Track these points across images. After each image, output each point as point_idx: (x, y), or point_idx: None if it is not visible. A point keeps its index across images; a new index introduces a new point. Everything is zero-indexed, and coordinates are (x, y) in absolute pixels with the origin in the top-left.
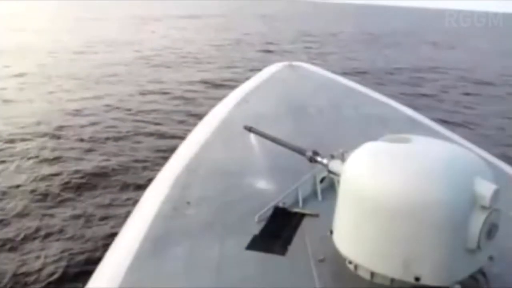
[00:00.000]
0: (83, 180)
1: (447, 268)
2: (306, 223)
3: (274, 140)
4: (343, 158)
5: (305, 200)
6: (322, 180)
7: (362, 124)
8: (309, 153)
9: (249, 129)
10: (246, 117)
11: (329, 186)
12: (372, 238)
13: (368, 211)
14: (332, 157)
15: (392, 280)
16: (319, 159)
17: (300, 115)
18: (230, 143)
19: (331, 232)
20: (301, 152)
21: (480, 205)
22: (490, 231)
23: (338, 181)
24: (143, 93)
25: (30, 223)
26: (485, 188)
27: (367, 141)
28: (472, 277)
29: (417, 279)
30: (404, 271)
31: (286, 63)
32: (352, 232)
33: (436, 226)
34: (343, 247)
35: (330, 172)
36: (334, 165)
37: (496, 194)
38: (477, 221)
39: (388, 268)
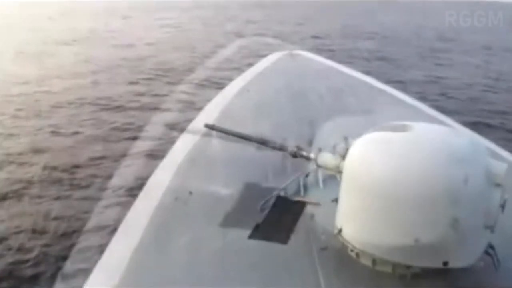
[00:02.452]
0: None
1: (472, 248)
2: (308, 211)
3: (241, 137)
4: (334, 151)
5: (307, 189)
6: (307, 175)
7: (363, 112)
8: (293, 148)
9: (211, 127)
10: (247, 106)
11: (331, 175)
12: (386, 226)
13: (380, 200)
14: (320, 150)
15: (394, 266)
16: (304, 153)
17: (301, 103)
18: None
19: (340, 230)
20: (282, 148)
21: (495, 183)
22: (503, 206)
23: (336, 175)
24: None
25: None
26: (498, 167)
27: (367, 129)
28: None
29: (445, 263)
30: (431, 258)
31: (286, 52)
32: (358, 220)
33: (459, 209)
34: (347, 234)
35: (319, 166)
36: (324, 158)
37: (507, 172)
38: (495, 199)
39: (409, 257)
